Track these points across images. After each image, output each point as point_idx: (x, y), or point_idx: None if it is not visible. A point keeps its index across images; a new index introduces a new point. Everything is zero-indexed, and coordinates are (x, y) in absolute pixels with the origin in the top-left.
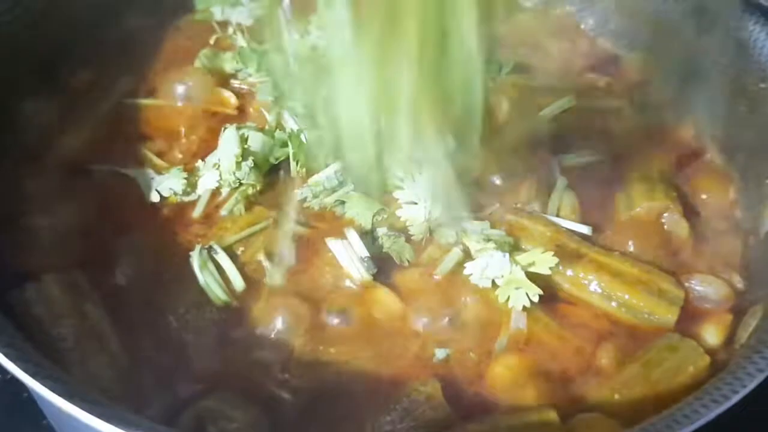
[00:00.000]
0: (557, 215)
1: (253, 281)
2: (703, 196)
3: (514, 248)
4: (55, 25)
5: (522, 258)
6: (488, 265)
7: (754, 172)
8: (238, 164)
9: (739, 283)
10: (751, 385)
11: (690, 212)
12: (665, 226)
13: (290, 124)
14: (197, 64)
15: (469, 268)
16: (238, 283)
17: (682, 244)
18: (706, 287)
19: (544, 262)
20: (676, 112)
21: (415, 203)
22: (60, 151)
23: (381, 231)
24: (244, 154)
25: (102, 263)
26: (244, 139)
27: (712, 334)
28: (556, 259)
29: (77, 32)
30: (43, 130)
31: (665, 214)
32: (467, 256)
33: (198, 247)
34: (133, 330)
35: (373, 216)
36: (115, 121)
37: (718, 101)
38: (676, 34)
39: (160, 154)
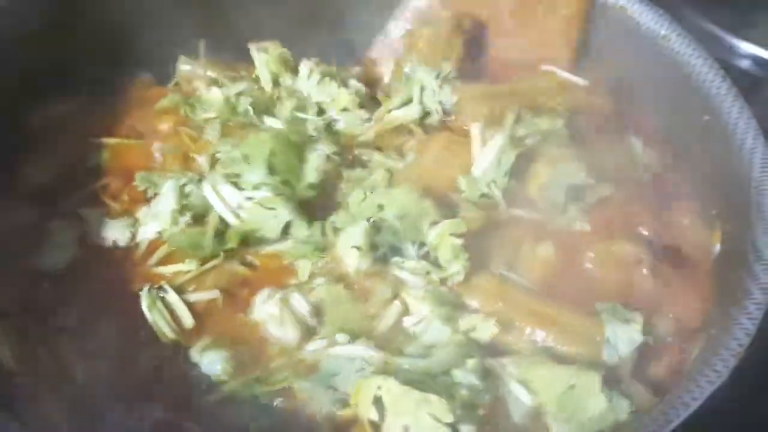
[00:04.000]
0: None
1: (203, 318)
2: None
3: (454, 306)
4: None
5: (464, 322)
6: (427, 332)
7: (707, 204)
8: (174, 219)
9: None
10: (684, 415)
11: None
12: (625, 273)
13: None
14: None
15: (407, 322)
16: (187, 320)
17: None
18: (657, 327)
19: (485, 329)
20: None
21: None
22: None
23: (319, 280)
24: (183, 209)
25: (51, 305)
26: (184, 194)
27: (660, 366)
28: (496, 329)
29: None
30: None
31: (627, 261)
32: (407, 309)
33: (146, 288)
34: (86, 371)
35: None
36: (74, 159)
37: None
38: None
39: (113, 195)
